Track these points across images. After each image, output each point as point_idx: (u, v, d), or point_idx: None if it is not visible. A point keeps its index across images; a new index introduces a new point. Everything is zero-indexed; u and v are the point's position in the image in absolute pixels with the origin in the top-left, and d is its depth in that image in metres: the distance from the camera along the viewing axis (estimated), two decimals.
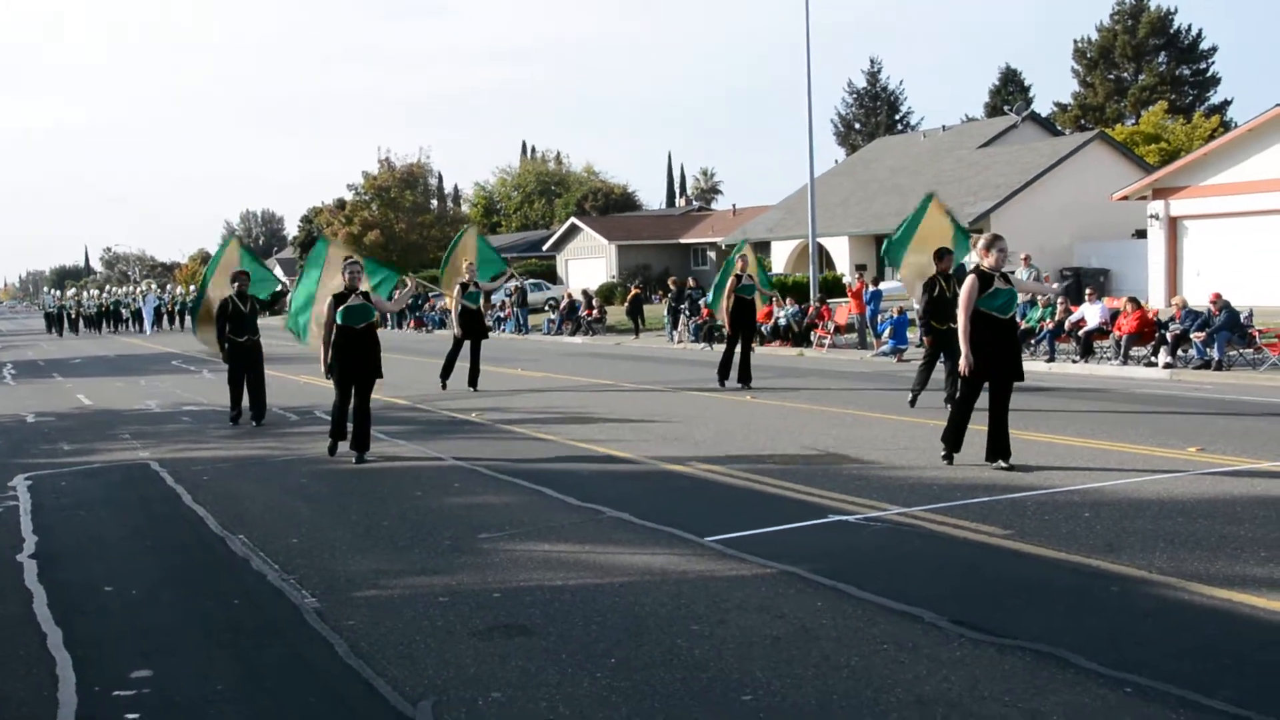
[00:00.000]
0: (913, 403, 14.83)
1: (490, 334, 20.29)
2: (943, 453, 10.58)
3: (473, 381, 19.13)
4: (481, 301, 19.43)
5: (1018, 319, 21.90)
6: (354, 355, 11.93)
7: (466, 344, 19.07)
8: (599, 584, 7.05)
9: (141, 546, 8.67)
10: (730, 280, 18.13)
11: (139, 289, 61.83)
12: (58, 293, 62.39)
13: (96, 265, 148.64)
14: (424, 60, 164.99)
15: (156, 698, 5.39)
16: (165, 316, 55.58)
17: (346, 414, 12.13)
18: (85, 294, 62.22)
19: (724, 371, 18.37)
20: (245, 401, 15.75)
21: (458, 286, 19.01)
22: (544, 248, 68.24)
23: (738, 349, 18.26)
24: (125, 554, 8.42)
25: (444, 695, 5.25)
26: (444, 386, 18.97)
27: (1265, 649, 5.50)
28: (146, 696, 5.41)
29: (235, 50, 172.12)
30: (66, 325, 54.37)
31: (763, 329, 28.24)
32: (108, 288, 68.86)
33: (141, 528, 9.34)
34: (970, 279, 10.12)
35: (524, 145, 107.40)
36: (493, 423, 15.05)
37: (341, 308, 11.87)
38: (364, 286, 12.39)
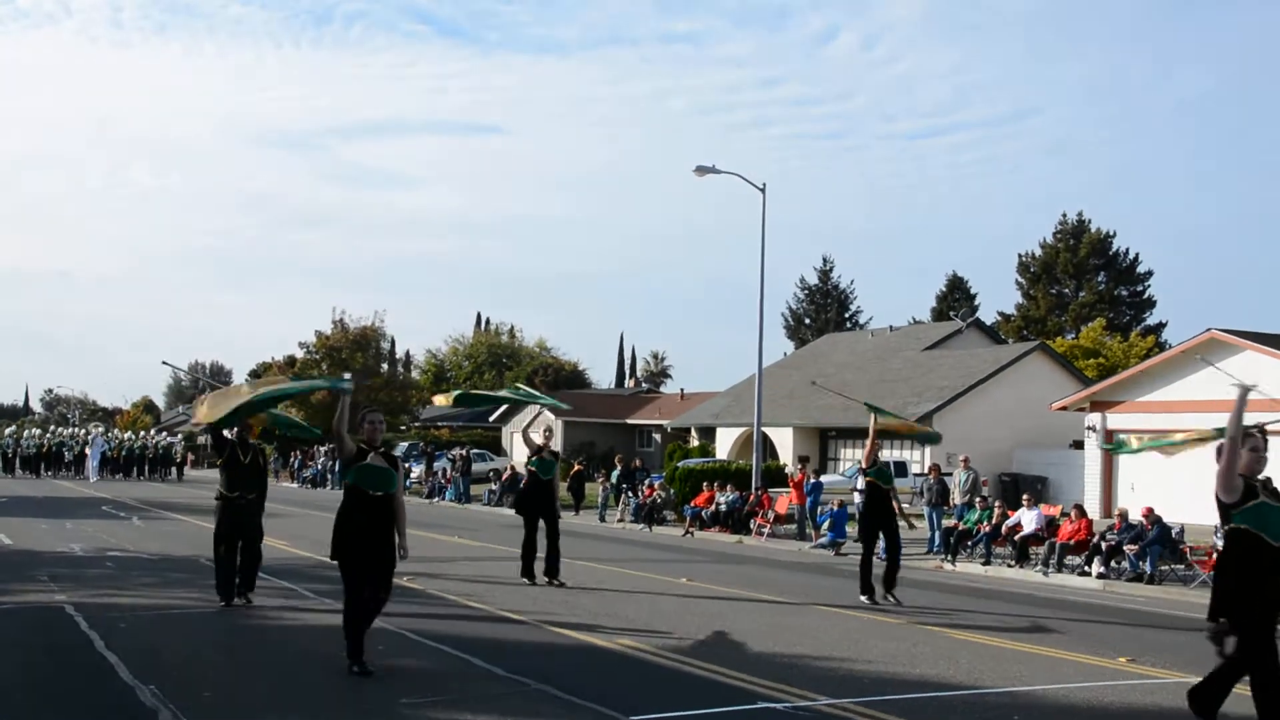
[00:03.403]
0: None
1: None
2: None
3: (551, 574, 15.38)
4: (556, 474, 16.14)
5: (966, 522, 21.67)
6: (369, 531, 9.05)
7: (539, 524, 15.72)
8: None
9: (43, 692, 8.32)
10: (868, 447, 15.55)
11: (83, 431, 59.17)
12: None
13: (36, 405, 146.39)
14: (384, 228, 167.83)
15: None
16: (111, 464, 51.60)
17: (363, 614, 9.25)
18: (25, 433, 59.07)
19: (865, 580, 14.90)
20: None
21: (529, 453, 16.09)
22: (490, 419, 68.21)
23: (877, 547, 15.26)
24: (23, 699, 8.07)
25: None
26: (532, 579, 15.35)
27: None
28: None
29: (195, 206, 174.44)
30: (1, 465, 51.91)
31: (701, 514, 28.24)
32: (51, 427, 66.31)
33: (46, 673, 8.98)
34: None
35: (478, 316, 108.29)
36: (425, 589, 14.77)
37: (357, 466, 9.18)
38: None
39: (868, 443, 15.71)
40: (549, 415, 16.50)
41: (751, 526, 27.00)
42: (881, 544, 15.17)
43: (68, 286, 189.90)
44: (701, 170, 30.86)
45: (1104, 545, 19.59)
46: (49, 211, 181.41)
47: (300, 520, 25.88)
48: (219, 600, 12.43)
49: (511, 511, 34.68)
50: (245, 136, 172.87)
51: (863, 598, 14.64)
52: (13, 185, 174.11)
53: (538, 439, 15.80)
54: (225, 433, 12.51)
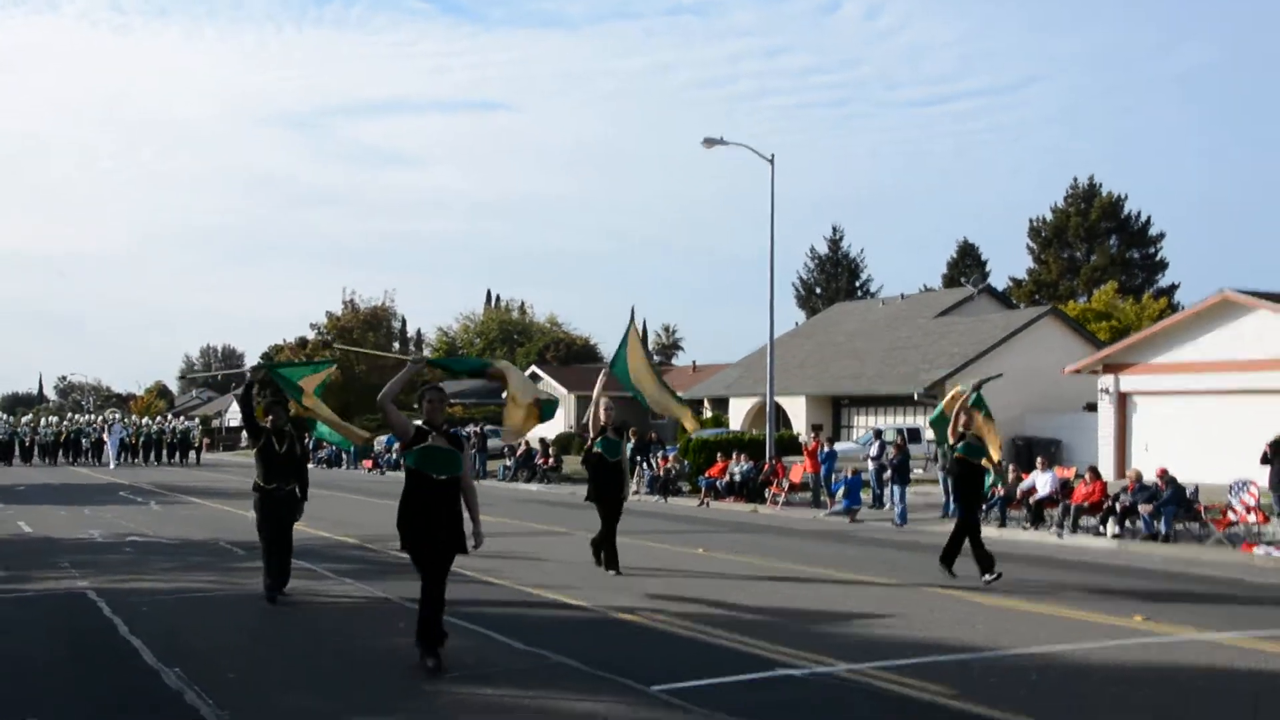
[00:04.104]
0: None
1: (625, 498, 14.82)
2: None
3: (610, 561, 14.20)
4: (625, 452, 14.75)
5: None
6: (435, 518, 8.35)
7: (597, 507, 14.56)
8: None
9: (71, 676, 8.42)
10: (953, 421, 14.34)
11: (101, 418, 59.00)
12: (10, 418, 59.42)
13: (50, 393, 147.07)
14: (391, 207, 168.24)
15: None
16: (129, 449, 51.37)
17: (442, 604, 8.52)
18: (42, 420, 58.93)
19: (982, 560, 13.62)
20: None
21: (593, 434, 14.55)
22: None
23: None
24: (52, 683, 8.17)
25: None
26: (617, 570, 14.01)
27: None
28: None
29: (201, 188, 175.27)
30: (19, 453, 51.77)
31: (716, 484, 28.29)
32: (69, 415, 66.32)
33: (73, 657, 9.09)
34: None
35: (489, 294, 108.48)
36: None
37: (419, 449, 8.45)
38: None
39: (954, 415, 14.44)
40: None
41: (766, 495, 27.06)
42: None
43: (77, 271, 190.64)
44: (710, 142, 30.75)
45: (1118, 506, 19.59)
46: (56, 195, 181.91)
47: (318, 502, 25.99)
48: (265, 593, 11.61)
49: (527, 486, 34.97)
50: (250, 118, 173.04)
51: (985, 577, 13.32)
52: (19, 168, 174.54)
53: (602, 417, 14.45)
54: (261, 421, 11.83)
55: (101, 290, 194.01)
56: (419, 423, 8.58)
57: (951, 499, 22.89)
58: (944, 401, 15.36)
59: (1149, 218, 68.75)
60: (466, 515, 8.56)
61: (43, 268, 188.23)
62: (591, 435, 14.56)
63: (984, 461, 14.24)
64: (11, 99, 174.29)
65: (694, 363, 68.83)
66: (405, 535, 8.41)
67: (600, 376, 14.83)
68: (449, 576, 8.58)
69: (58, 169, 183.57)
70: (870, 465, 26.55)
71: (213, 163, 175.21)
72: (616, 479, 14.34)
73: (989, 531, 20.85)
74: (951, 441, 14.37)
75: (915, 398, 40.80)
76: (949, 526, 21.66)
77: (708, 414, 50.57)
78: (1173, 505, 18.95)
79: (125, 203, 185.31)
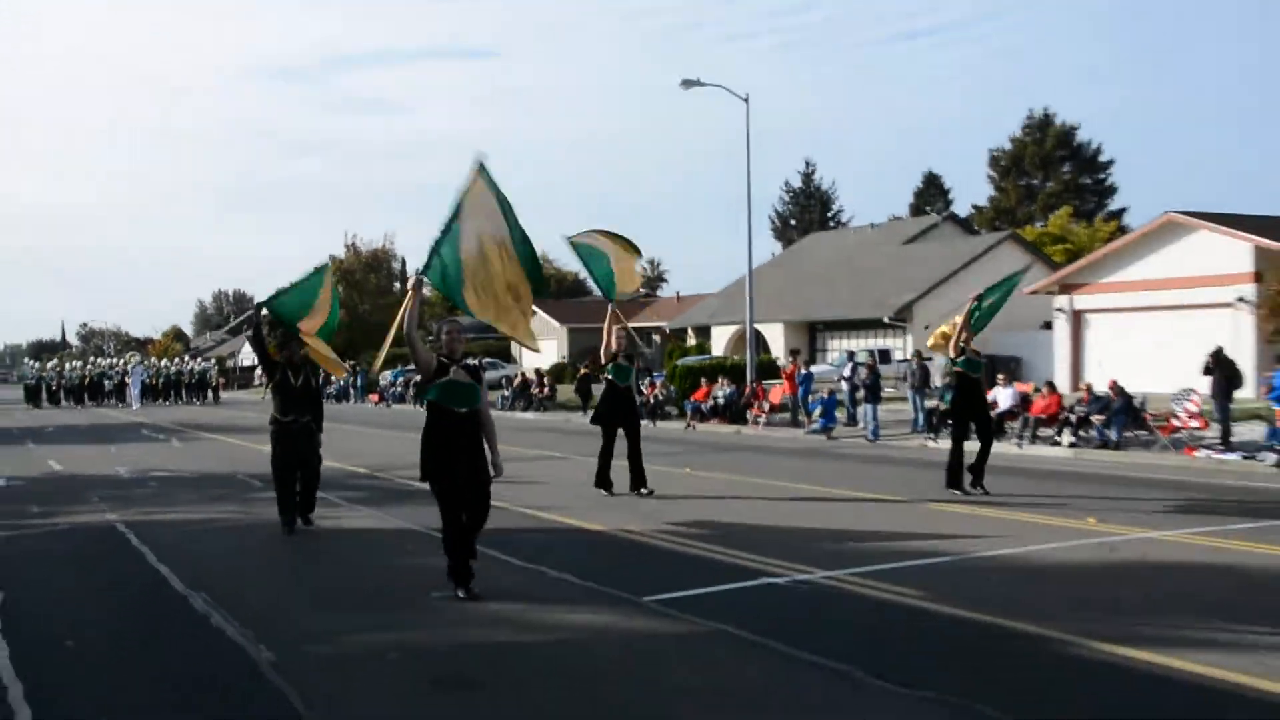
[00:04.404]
0: None
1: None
2: None
3: (638, 483, 13.88)
4: (634, 380, 14.40)
5: (947, 402, 20.97)
6: (458, 452, 8.06)
7: (617, 434, 14.01)
8: (543, 641, 7.02)
9: (104, 603, 8.50)
10: (954, 337, 13.67)
11: (122, 361, 58.54)
12: (36, 363, 58.97)
13: (73, 339, 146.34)
14: (384, 153, 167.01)
15: None
16: (150, 390, 50.86)
17: (464, 538, 8.29)
18: (67, 365, 58.42)
19: (954, 474, 13.59)
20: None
21: (604, 359, 14.15)
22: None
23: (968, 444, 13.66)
24: (88, 610, 8.24)
25: None
26: (609, 489, 13.90)
27: (1149, 698, 5.61)
28: None
29: (199, 140, 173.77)
30: (45, 396, 51.49)
31: (701, 407, 28.43)
32: (92, 359, 65.82)
33: (105, 585, 9.15)
34: None
35: None
36: None
37: (440, 383, 8.07)
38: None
39: (955, 331, 13.79)
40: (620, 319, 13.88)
41: (748, 417, 27.20)
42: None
43: (88, 224, 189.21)
44: (687, 84, 30.44)
45: (1073, 417, 19.80)
46: (58, 153, 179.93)
47: (328, 434, 26.09)
48: (281, 526, 11.44)
49: (524, 415, 35.06)
50: (242, 71, 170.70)
51: (954, 492, 13.33)
52: (21, 129, 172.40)
53: (614, 345, 14.01)
54: (276, 355, 11.64)
55: (113, 242, 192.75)
56: (440, 356, 8.19)
57: (920, 415, 23.12)
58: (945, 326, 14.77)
59: (1100, 145, 68.70)
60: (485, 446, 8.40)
61: (55, 221, 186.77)
62: (603, 361, 14.22)
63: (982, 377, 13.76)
64: (9, 59, 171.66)
65: (678, 293, 68.78)
66: (429, 468, 8.09)
67: (610, 308, 14.67)
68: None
69: (58, 129, 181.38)
70: (844, 386, 26.70)
71: (207, 116, 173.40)
72: (625, 404, 14.09)
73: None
74: (953, 356, 13.74)
75: (885, 321, 40.94)
76: (918, 441, 21.91)
77: (692, 341, 50.66)
78: (1123, 415, 19.16)
79: (124, 158, 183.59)
